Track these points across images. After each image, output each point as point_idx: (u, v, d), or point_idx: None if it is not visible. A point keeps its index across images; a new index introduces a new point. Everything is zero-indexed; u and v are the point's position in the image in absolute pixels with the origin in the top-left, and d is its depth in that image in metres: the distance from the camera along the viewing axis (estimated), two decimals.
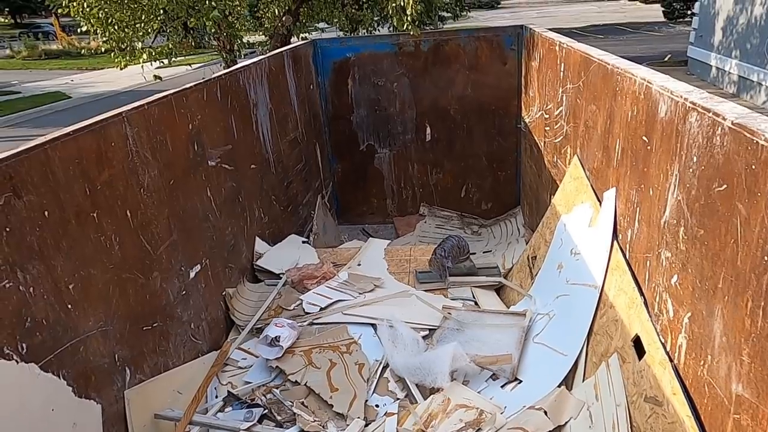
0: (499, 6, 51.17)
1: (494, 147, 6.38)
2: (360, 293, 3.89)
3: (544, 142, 4.81)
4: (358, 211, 6.78)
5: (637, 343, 2.40)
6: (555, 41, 4.39)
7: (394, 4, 5.56)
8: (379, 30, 10.05)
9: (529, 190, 5.73)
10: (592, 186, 3.31)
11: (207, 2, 6.59)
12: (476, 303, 3.81)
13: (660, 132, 2.29)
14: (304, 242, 4.82)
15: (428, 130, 6.42)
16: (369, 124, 6.44)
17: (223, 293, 3.78)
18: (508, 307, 3.76)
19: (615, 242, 2.85)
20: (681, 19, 20.10)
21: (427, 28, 14.73)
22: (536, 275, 3.70)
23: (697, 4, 14.44)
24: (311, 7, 8.82)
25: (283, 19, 8.44)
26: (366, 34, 10.10)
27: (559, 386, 2.76)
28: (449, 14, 18.79)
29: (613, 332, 2.62)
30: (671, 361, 2.13)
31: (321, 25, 10.44)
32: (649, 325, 2.32)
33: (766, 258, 1.50)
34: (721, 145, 1.77)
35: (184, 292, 3.27)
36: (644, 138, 2.47)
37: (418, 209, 6.66)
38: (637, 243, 2.58)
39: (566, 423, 2.55)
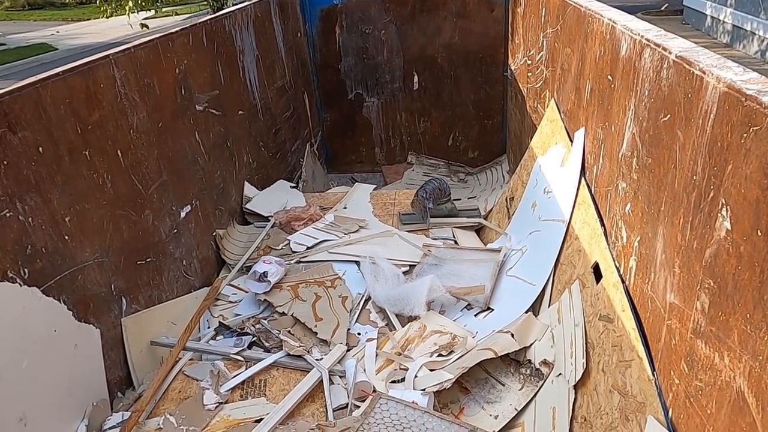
0: None
1: (481, 95, 6.45)
2: (345, 233, 4.07)
3: (527, 88, 4.91)
4: (347, 159, 6.90)
5: (597, 270, 2.59)
6: None
7: None
8: None
9: (514, 138, 5.85)
10: (565, 127, 3.45)
11: None
12: (456, 242, 4.00)
13: (621, 70, 2.41)
14: (292, 187, 4.97)
15: (416, 79, 6.47)
16: (357, 72, 6.48)
17: (214, 234, 3.95)
18: (487, 245, 3.95)
19: (583, 179, 3.00)
20: None
21: None
22: (513, 215, 3.88)
23: None
24: None
25: None
26: None
27: (526, 313, 2.97)
28: None
29: (577, 261, 2.81)
30: (623, 282, 2.32)
31: None
32: (606, 252, 2.50)
33: (694, 177, 1.66)
34: (667, 78, 1.90)
35: (175, 231, 3.44)
36: (609, 77, 2.60)
37: (406, 158, 6.78)
38: (600, 178, 2.74)
39: (531, 344, 2.77)
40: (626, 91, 2.33)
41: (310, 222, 4.21)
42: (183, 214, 3.54)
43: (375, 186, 5.26)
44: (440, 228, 4.18)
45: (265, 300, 3.43)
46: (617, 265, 2.40)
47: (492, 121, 6.52)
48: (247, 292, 3.56)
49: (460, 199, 5.58)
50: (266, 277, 3.49)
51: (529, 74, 4.74)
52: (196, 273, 3.66)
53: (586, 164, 3.00)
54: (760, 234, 1.31)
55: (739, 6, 11.49)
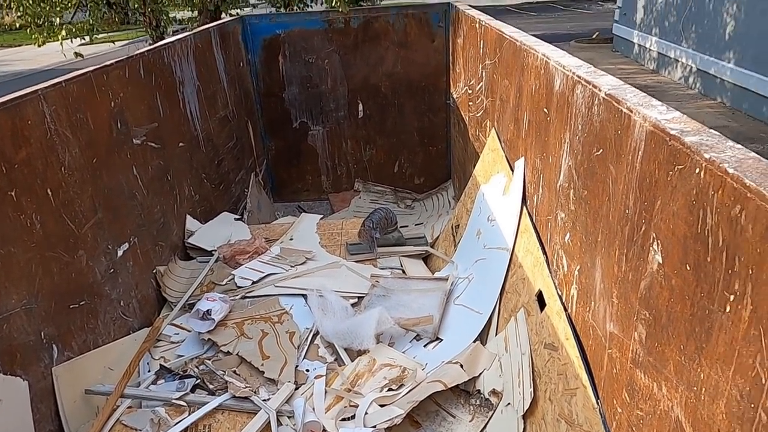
0: None
1: (425, 122, 6.56)
2: (292, 266, 4.00)
3: (469, 117, 5.02)
4: (293, 188, 6.84)
5: (540, 298, 2.64)
6: (476, 19, 4.56)
7: None
8: (312, 6, 9.99)
9: (458, 164, 5.96)
10: (506, 156, 3.53)
11: None
12: (403, 271, 4.00)
13: (555, 104, 2.50)
14: (236, 219, 4.86)
15: (360, 107, 6.52)
16: (301, 101, 6.48)
17: (154, 271, 3.80)
18: (434, 274, 3.97)
19: (524, 207, 3.07)
20: (601, 2, 20.89)
21: (364, 4, 14.69)
22: (459, 242, 3.92)
23: None
24: None
25: None
26: (299, 10, 10.02)
27: (474, 342, 2.98)
28: None
29: (521, 289, 2.86)
30: (566, 310, 2.36)
31: (252, 0, 10.25)
32: (549, 280, 2.55)
33: (627, 211, 1.72)
34: (598, 114, 1.98)
35: (112, 270, 3.28)
36: (545, 110, 2.68)
37: (353, 185, 6.78)
38: (540, 206, 2.81)
39: (480, 374, 2.78)
40: (561, 125, 2.41)
41: (256, 255, 4.12)
42: (120, 253, 3.39)
43: (322, 215, 5.22)
44: (388, 257, 4.18)
45: (209, 339, 3.31)
46: (559, 293, 2.46)
47: (436, 147, 6.63)
48: (189, 331, 3.44)
49: (407, 226, 5.61)
50: (210, 314, 3.38)
51: (471, 103, 4.86)
52: (135, 313, 3.50)
53: (526, 193, 3.07)
54: (689, 268, 1.36)
55: (662, 35, 12.22)
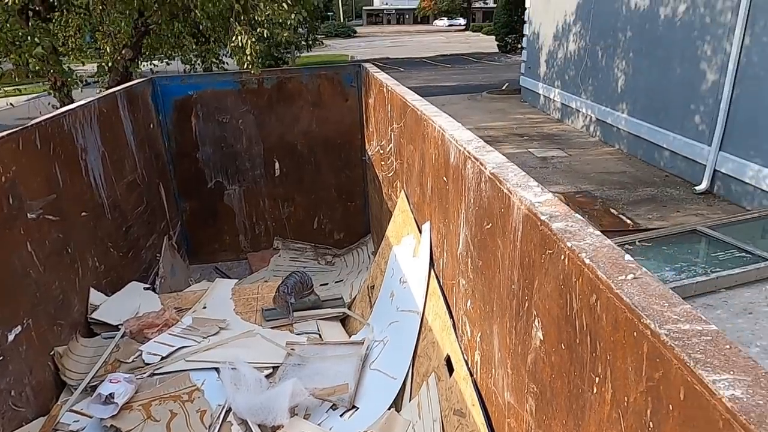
0: (355, 35, 53.07)
1: (342, 179, 6.64)
2: (204, 337, 3.87)
3: (382, 176, 5.14)
4: (210, 249, 6.67)
5: (449, 362, 2.68)
6: (383, 83, 4.74)
7: (232, 44, 5.63)
8: (226, 65, 10.01)
9: (376, 220, 6.05)
10: (415, 219, 3.63)
11: (29, 38, 6.15)
12: (320, 336, 3.96)
13: (452, 174, 2.62)
14: (146, 289, 4.66)
15: (277, 165, 6.52)
16: (216, 161, 6.40)
17: (52, 353, 3.55)
18: (351, 336, 3.95)
19: (432, 271, 3.15)
20: (513, 52, 22.32)
21: (279, 63, 14.90)
22: (374, 304, 3.94)
23: (524, 39, 16.14)
24: (153, 42, 8.58)
25: (123, 52, 8.11)
26: (216, 69, 10.01)
27: (390, 408, 2.97)
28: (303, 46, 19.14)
29: (432, 353, 2.90)
30: (471, 376, 2.42)
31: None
32: (456, 345, 2.61)
33: (513, 286, 1.81)
34: (485, 190, 2.09)
35: (1, 358, 3.04)
36: (444, 178, 2.80)
37: (272, 243, 6.71)
38: (445, 271, 2.89)
39: None
40: (457, 195, 2.53)
41: (165, 328, 3.95)
42: (11, 338, 3.15)
43: (237, 279, 5.10)
44: (304, 321, 4.13)
45: (111, 426, 3.11)
46: (465, 358, 2.51)
47: (354, 203, 6.71)
48: (91, 417, 3.21)
49: (327, 284, 5.59)
50: (113, 398, 3.18)
51: (383, 162, 4.99)
52: (29, 402, 3.24)
53: (434, 256, 3.16)
54: (563, 347, 1.45)
55: (564, 87, 13.15)
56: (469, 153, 2.30)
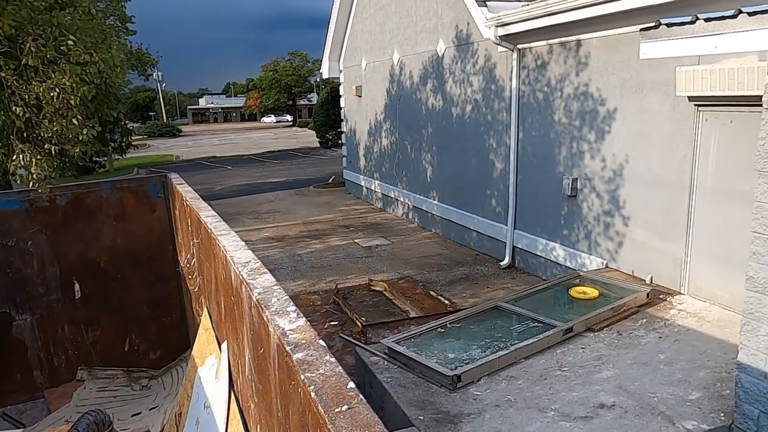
0: (181, 134, 52.18)
1: (155, 293, 6.26)
2: None
3: (191, 290, 4.95)
4: None
5: None
6: (184, 197, 4.68)
7: (14, 163, 5.17)
8: (18, 180, 9.14)
9: (194, 333, 5.74)
10: (217, 337, 3.51)
11: None
12: None
13: (236, 296, 2.61)
14: None
15: (77, 287, 5.97)
16: (1, 289, 5.67)
17: None
18: None
19: (232, 392, 3.04)
20: (335, 148, 23.52)
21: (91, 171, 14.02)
22: None
23: (343, 136, 17.17)
24: None
25: None
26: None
27: None
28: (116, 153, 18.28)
29: None
30: None
31: None
32: None
33: (279, 414, 1.81)
34: (254, 315, 2.12)
35: None
36: (232, 298, 2.78)
37: (76, 375, 5.99)
38: (242, 392, 2.81)
39: None
40: (241, 318, 2.52)
41: None
42: None
43: (30, 427, 4.43)
44: None
45: None
46: None
47: (170, 317, 6.33)
48: None
49: (140, 413, 5.10)
50: None
51: (190, 277, 4.82)
52: None
53: (232, 377, 3.06)
54: None
55: (383, 179, 14.08)
56: (243, 277, 2.32)
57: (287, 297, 2.00)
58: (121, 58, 5.52)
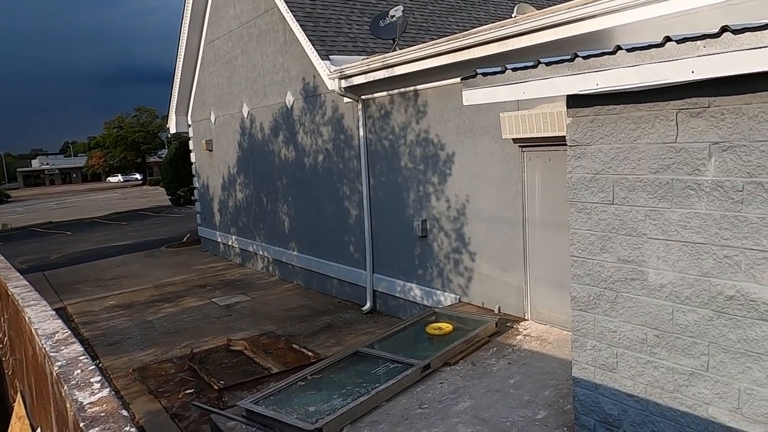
0: (9, 200, 46.73)
1: None
2: None
3: (6, 373, 4.29)
4: None
5: None
6: None
7: None
8: None
9: None
10: (31, 424, 3.04)
11: None
12: None
13: (42, 371, 2.28)
14: None
15: None
16: None
17: None
18: None
19: None
20: (189, 205, 22.47)
21: None
22: None
23: (196, 192, 16.48)
24: None
25: None
26: None
27: None
28: None
29: None
30: None
31: None
32: None
33: None
34: (57, 392, 1.85)
35: None
36: (41, 376, 2.43)
37: None
38: None
39: None
40: (48, 398, 2.19)
41: None
42: None
43: None
44: None
45: None
46: None
47: None
48: None
49: None
50: None
51: (4, 359, 4.19)
52: None
53: None
54: None
55: (240, 233, 13.65)
56: (46, 350, 2.04)
57: (93, 367, 1.78)
58: None
